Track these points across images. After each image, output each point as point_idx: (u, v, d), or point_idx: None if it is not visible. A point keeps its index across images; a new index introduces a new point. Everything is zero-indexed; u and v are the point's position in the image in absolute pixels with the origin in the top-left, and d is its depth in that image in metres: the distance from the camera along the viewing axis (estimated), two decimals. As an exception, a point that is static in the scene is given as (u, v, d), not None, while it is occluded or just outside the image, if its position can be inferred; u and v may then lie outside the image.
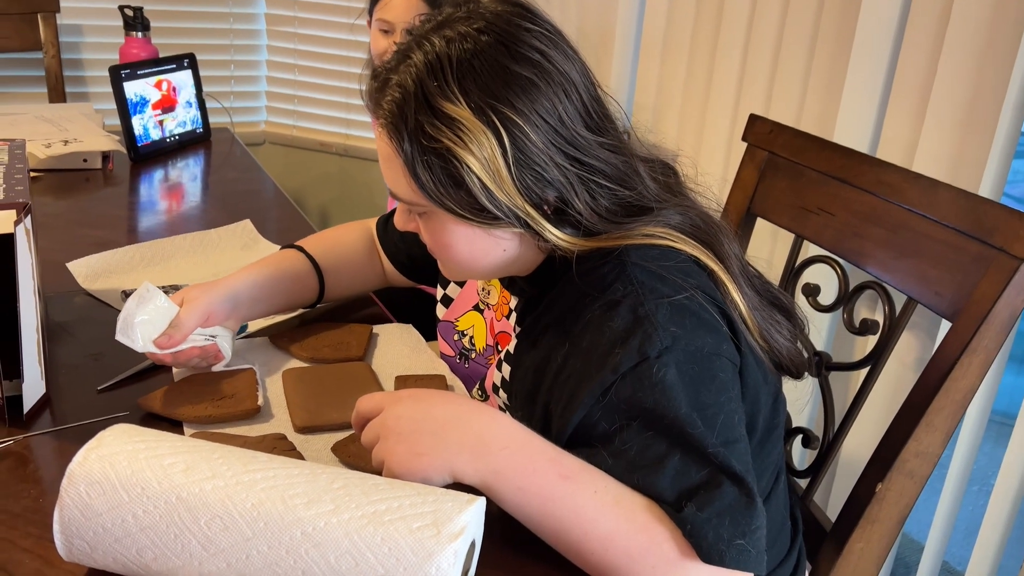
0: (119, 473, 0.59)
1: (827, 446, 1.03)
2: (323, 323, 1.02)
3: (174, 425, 0.82)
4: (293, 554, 0.56)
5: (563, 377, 0.72)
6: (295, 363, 0.95)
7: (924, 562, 1.34)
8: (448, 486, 0.64)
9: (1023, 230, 0.82)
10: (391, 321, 1.08)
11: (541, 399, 0.74)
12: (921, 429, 0.87)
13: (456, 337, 0.97)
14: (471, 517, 0.58)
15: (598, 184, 0.72)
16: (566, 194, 0.71)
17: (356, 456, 0.78)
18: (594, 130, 0.73)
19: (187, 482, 0.59)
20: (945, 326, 1.19)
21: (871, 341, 1.02)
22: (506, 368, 0.82)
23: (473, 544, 0.61)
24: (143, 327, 0.82)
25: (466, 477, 0.65)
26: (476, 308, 0.95)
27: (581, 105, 0.72)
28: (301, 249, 1.00)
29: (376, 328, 1.04)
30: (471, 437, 0.66)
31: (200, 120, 1.86)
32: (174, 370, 0.92)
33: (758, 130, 1.20)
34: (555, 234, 0.72)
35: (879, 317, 1.00)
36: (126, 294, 1.07)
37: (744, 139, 1.22)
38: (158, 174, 1.67)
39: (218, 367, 0.89)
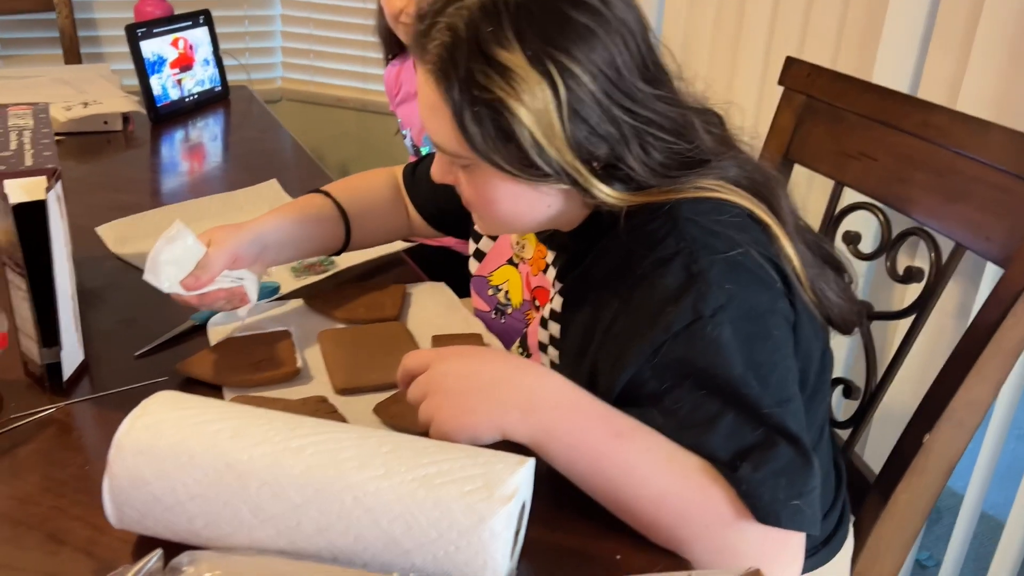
0: (166, 441, 0.59)
1: (869, 397, 1.02)
2: (356, 283, 1.01)
3: (213, 389, 0.82)
4: (344, 520, 0.56)
5: (612, 335, 0.70)
6: (330, 324, 0.94)
7: (963, 511, 1.33)
8: (497, 444, 0.63)
9: (1082, 171, 0.79)
10: (423, 280, 1.07)
11: (589, 357, 0.72)
12: (972, 378, 0.85)
13: (491, 292, 0.96)
14: (522, 479, 0.57)
15: (655, 138, 0.69)
16: (619, 149, 0.68)
17: (398, 417, 0.77)
18: (650, 81, 0.70)
19: (235, 448, 0.58)
20: (990, 274, 1.17)
21: (912, 290, 0.99)
22: (554, 326, 0.80)
23: (524, 505, 0.60)
24: (169, 267, 0.80)
25: (516, 435, 0.65)
26: (510, 262, 0.93)
27: (638, 55, 0.69)
28: (327, 194, 0.97)
29: (409, 287, 1.03)
30: (521, 395, 0.65)
31: (219, 78, 1.83)
32: (210, 333, 0.91)
33: (795, 73, 1.16)
34: (604, 191, 0.69)
35: (924, 265, 0.98)
36: (153, 257, 1.06)
37: (780, 83, 1.18)
38: (178, 134, 1.65)
39: (242, 311, 0.87)
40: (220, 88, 1.84)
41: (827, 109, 1.11)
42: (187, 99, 1.73)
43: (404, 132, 1.70)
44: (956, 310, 1.19)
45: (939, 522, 1.70)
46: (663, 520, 0.63)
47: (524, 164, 0.69)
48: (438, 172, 0.77)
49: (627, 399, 0.67)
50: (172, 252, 0.81)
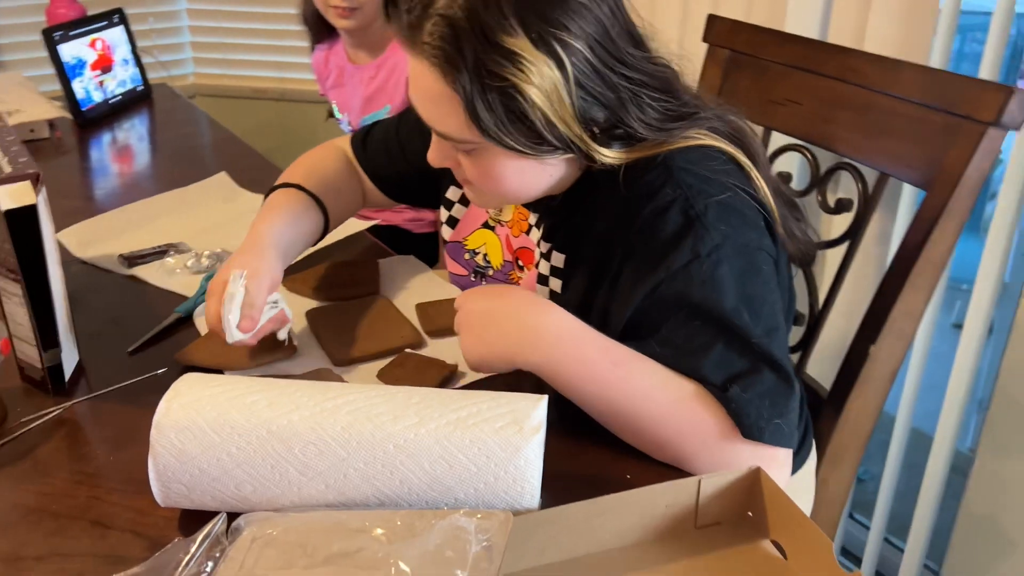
0: (206, 417, 0.62)
1: (814, 321, 1.11)
2: (330, 263, 1.04)
3: (217, 375, 0.84)
4: (389, 466, 0.60)
5: (619, 283, 0.76)
6: (313, 304, 0.97)
7: (896, 430, 1.46)
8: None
9: (985, 96, 0.89)
10: (391, 255, 1.11)
11: (597, 306, 0.77)
12: (907, 290, 0.95)
13: (467, 256, 1.01)
14: (544, 412, 0.63)
15: (649, 97, 0.74)
16: (620, 113, 0.73)
17: (402, 380, 0.82)
18: (637, 44, 0.74)
19: (274, 416, 0.62)
20: (906, 199, 1.28)
21: (841, 221, 1.09)
22: (555, 282, 0.85)
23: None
24: (235, 319, 0.79)
25: (526, 366, 0.71)
26: (485, 226, 0.98)
27: (624, 20, 0.73)
28: (298, 187, 0.98)
29: (380, 262, 1.06)
30: (527, 330, 0.71)
31: (140, 77, 1.80)
32: (197, 322, 0.93)
33: (718, 30, 1.24)
34: (606, 153, 0.74)
35: (852, 196, 1.07)
36: (123, 258, 1.06)
37: (705, 40, 1.25)
38: (107, 137, 1.63)
39: (282, 332, 0.86)
40: (142, 87, 1.81)
41: (751, 61, 1.20)
42: (111, 100, 1.71)
43: (340, 116, 1.71)
44: (879, 236, 1.30)
45: (872, 440, 1.85)
46: (664, 438, 0.70)
47: (534, 141, 0.72)
48: (437, 157, 0.80)
49: (628, 333, 0.73)
50: (238, 306, 0.79)
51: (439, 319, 0.93)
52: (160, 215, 1.20)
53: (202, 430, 0.62)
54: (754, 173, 0.77)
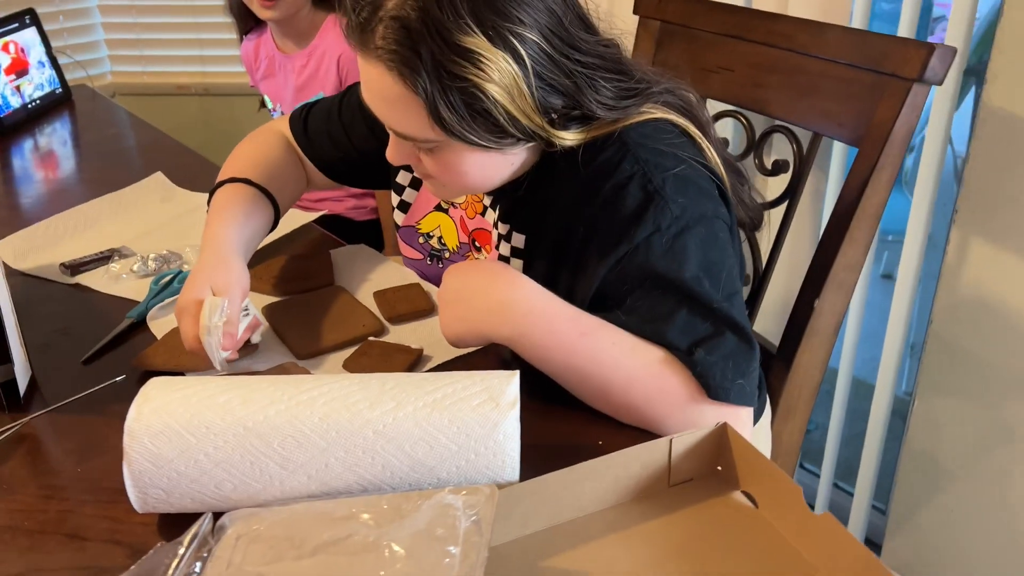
0: (178, 419, 0.62)
1: (759, 280, 1.15)
2: (280, 257, 1.03)
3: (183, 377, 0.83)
4: (370, 453, 0.61)
5: (583, 259, 0.78)
6: (268, 299, 0.97)
7: (839, 380, 1.52)
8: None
9: (908, 54, 0.92)
10: (341, 244, 1.10)
11: (562, 283, 0.78)
12: (846, 244, 0.99)
13: (421, 240, 1.01)
14: (517, 387, 0.64)
15: (603, 79, 0.75)
16: (577, 97, 0.73)
17: (368, 368, 0.82)
18: (587, 28, 0.75)
19: (249, 413, 0.62)
20: (838, 160, 1.33)
21: (777, 182, 1.13)
22: (516, 262, 0.86)
23: (517, 412, 0.68)
24: (216, 345, 0.78)
25: (498, 339, 0.73)
26: (438, 208, 0.99)
27: (574, 5, 0.74)
28: (246, 181, 0.95)
29: (331, 253, 1.06)
30: (495, 304, 0.73)
31: (57, 80, 1.74)
32: (151, 326, 0.92)
33: (647, 2, 1.26)
34: (564, 137, 0.74)
35: (788, 157, 1.11)
36: (65, 267, 1.03)
37: (636, 12, 1.27)
38: (28, 143, 1.57)
39: (256, 336, 0.86)
40: (61, 90, 1.75)
41: (682, 31, 1.22)
42: (30, 105, 1.64)
43: (273, 107, 1.69)
44: (814, 194, 1.35)
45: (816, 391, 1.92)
46: (633, 403, 0.72)
47: (496, 135, 0.72)
48: (396, 156, 0.79)
49: (593, 306, 0.75)
50: (219, 334, 0.78)
51: (399, 305, 0.93)
52: (97, 220, 1.17)
53: (177, 433, 0.61)
54: (704, 143, 0.79)
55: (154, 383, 0.65)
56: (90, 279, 1.02)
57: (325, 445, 0.61)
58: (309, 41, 1.57)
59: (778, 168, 1.12)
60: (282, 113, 1.66)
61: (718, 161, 0.80)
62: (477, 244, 0.96)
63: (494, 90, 0.69)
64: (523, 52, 0.69)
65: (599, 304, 0.76)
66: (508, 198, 0.86)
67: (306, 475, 0.61)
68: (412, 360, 0.83)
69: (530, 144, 0.76)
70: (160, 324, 0.92)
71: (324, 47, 1.55)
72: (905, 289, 1.35)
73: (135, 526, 0.65)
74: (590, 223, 0.77)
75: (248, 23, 1.64)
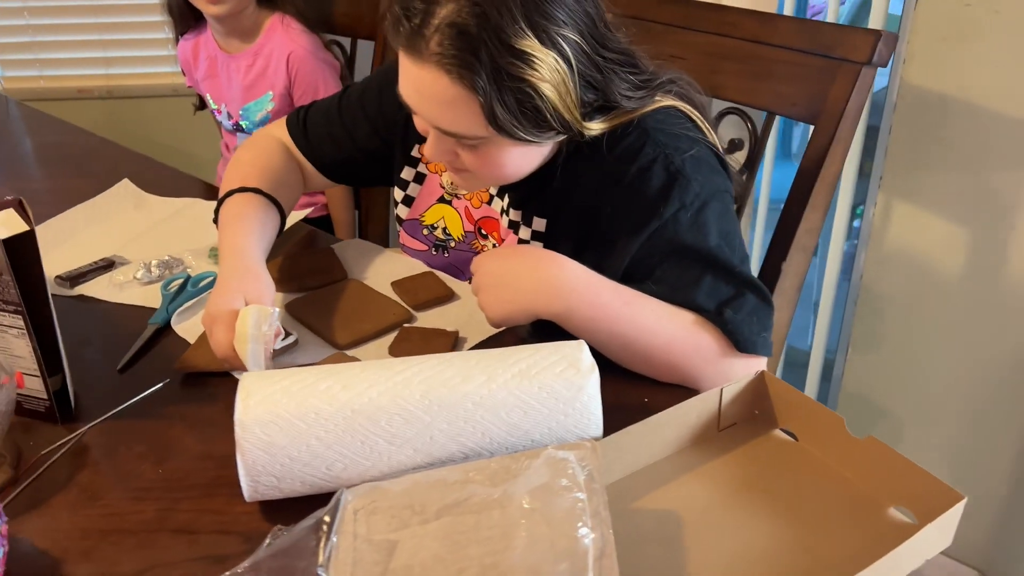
0: (286, 408, 0.65)
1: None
2: (282, 256, 1.05)
3: (220, 377, 0.85)
4: (471, 422, 0.67)
5: (610, 237, 0.85)
6: (288, 296, 0.99)
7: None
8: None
9: (857, 41, 1.05)
10: (338, 240, 1.13)
11: (589, 259, 0.83)
12: (808, 210, 1.10)
13: (425, 232, 1.06)
14: (590, 353, 0.71)
15: (625, 72, 0.82)
16: (606, 90, 0.80)
17: (413, 352, 0.86)
18: (609, 26, 0.81)
19: (353, 396, 0.66)
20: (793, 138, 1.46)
21: (740, 158, 1.24)
22: (537, 245, 0.92)
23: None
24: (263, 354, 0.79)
25: (544, 315, 0.80)
26: (441, 200, 1.03)
27: (599, 6, 0.79)
28: (255, 190, 0.97)
29: (334, 248, 1.09)
30: (543, 284, 0.79)
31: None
32: (178, 330, 0.93)
33: (599, -5, 1.34)
34: (591, 127, 0.81)
35: (744, 136, 1.22)
36: (62, 279, 1.02)
37: (588, 6, 1.35)
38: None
39: (289, 338, 0.88)
40: (-25, 98, 1.66)
41: (633, 23, 1.31)
42: (-50, 116, 1.56)
43: (215, 107, 1.67)
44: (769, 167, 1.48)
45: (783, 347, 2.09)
46: (672, 362, 0.80)
47: (541, 130, 0.78)
48: (437, 153, 0.82)
49: (624, 278, 0.83)
50: (270, 343, 0.80)
51: (420, 293, 0.98)
52: (76, 231, 1.15)
53: (287, 421, 0.65)
54: (705, 126, 0.88)
55: (248, 379, 0.68)
56: (93, 289, 1.01)
57: (429, 419, 0.66)
58: (254, 39, 1.57)
59: (734, 146, 1.23)
60: (229, 114, 1.64)
61: (716, 142, 0.89)
62: (483, 232, 1.02)
63: (546, 88, 0.75)
64: (568, 51, 0.76)
65: (626, 277, 0.84)
66: (523, 186, 0.92)
67: (412, 448, 0.66)
68: (451, 342, 0.89)
69: (563, 136, 0.82)
70: (186, 328, 0.93)
71: (271, 46, 1.55)
72: (836, 254, 1.51)
73: (239, 515, 0.68)
74: (617, 204, 0.84)
75: (187, 23, 1.61)
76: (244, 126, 1.64)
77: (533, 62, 0.74)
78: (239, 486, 0.70)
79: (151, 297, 0.99)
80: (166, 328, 0.94)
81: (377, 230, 1.74)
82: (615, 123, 0.83)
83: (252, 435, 0.65)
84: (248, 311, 0.80)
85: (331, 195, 1.69)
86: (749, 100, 1.19)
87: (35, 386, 0.77)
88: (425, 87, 0.76)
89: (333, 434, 0.65)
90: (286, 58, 1.54)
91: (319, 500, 0.66)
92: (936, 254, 1.36)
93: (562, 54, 0.75)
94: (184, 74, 1.72)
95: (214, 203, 1.22)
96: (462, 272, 1.04)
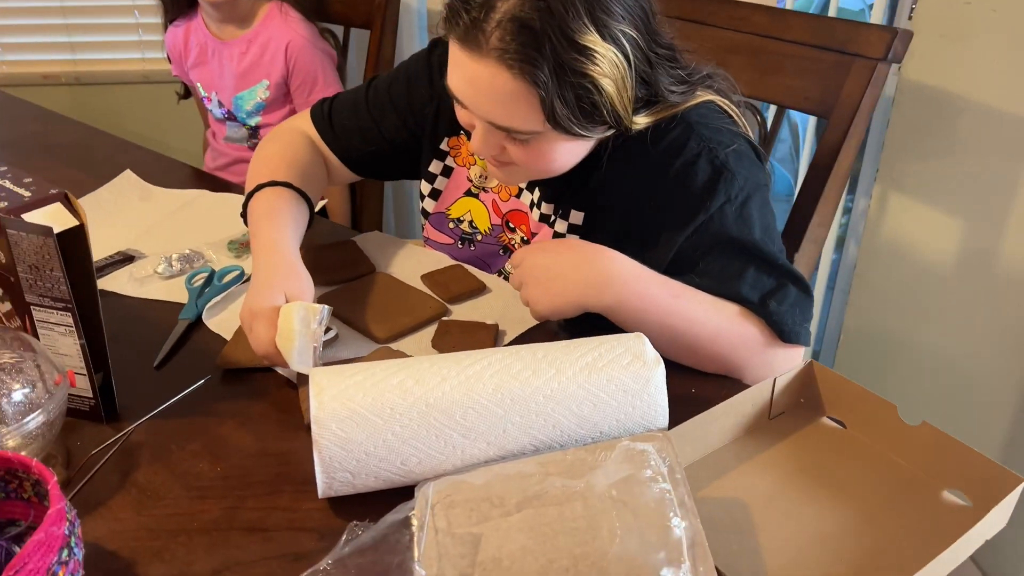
0: (361, 404, 0.65)
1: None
2: (305, 249, 1.04)
3: (264, 372, 0.84)
4: (542, 415, 0.67)
5: (653, 230, 0.86)
6: (318, 290, 0.98)
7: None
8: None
9: (872, 37, 1.08)
10: (353, 232, 1.12)
11: (629, 253, 0.84)
12: (820, 203, 1.13)
13: (451, 225, 1.05)
14: (652, 347, 0.72)
15: (671, 67, 0.82)
16: (655, 85, 0.80)
17: (457, 346, 0.87)
18: (659, 20, 0.81)
19: (427, 391, 0.66)
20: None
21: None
22: (573, 239, 0.92)
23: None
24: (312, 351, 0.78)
25: (596, 308, 0.80)
26: (468, 194, 1.03)
27: (651, 1, 0.80)
28: (286, 185, 0.95)
29: (355, 240, 1.08)
30: (594, 277, 0.80)
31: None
32: (211, 325, 0.91)
33: (606, -12, 1.35)
34: (638, 122, 0.81)
35: (753, 127, 1.24)
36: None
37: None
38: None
39: (329, 333, 0.87)
40: (-50, 84, 1.60)
41: (640, 15, 1.32)
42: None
43: (206, 95, 1.63)
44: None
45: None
46: (718, 352, 0.82)
47: (594, 125, 0.78)
48: (485, 147, 0.82)
49: (667, 271, 0.84)
50: (320, 340, 0.79)
51: (452, 286, 0.97)
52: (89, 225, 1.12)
53: (363, 416, 0.65)
54: (742, 120, 0.90)
55: (319, 374, 0.68)
56: (112, 284, 0.99)
57: (502, 413, 0.67)
58: (249, 26, 1.54)
59: (742, 139, 1.25)
60: (220, 102, 1.61)
61: (751, 134, 0.91)
62: (511, 225, 1.02)
63: (606, 83, 0.75)
64: (627, 46, 0.76)
65: (669, 270, 0.85)
66: (559, 179, 0.92)
67: (485, 442, 0.67)
68: (492, 335, 0.89)
69: (612, 131, 0.83)
70: (218, 323, 0.92)
71: (268, 34, 1.52)
72: (829, 244, 1.55)
73: (309, 512, 0.68)
74: (661, 198, 0.86)
75: (179, 8, 1.57)
76: (236, 115, 1.61)
77: (595, 57, 0.74)
78: (304, 482, 0.70)
79: (174, 291, 0.97)
80: (196, 323, 0.92)
81: (372, 222, 1.73)
82: (659, 117, 0.84)
83: (328, 431, 0.64)
84: (293, 308, 0.79)
85: (331, 192, 1.67)
86: (759, 94, 1.21)
87: (81, 384, 0.75)
88: (482, 81, 0.76)
89: (409, 429, 0.65)
90: (284, 47, 1.51)
91: (387, 495, 0.67)
92: (931, 245, 1.41)
93: (621, 49, 0.76)
94: (171, 61, 1.68)
95: (222, 195, 1.22)
96: (488, 265, 1.04)
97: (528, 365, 0.69)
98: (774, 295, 0.83)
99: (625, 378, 0.69)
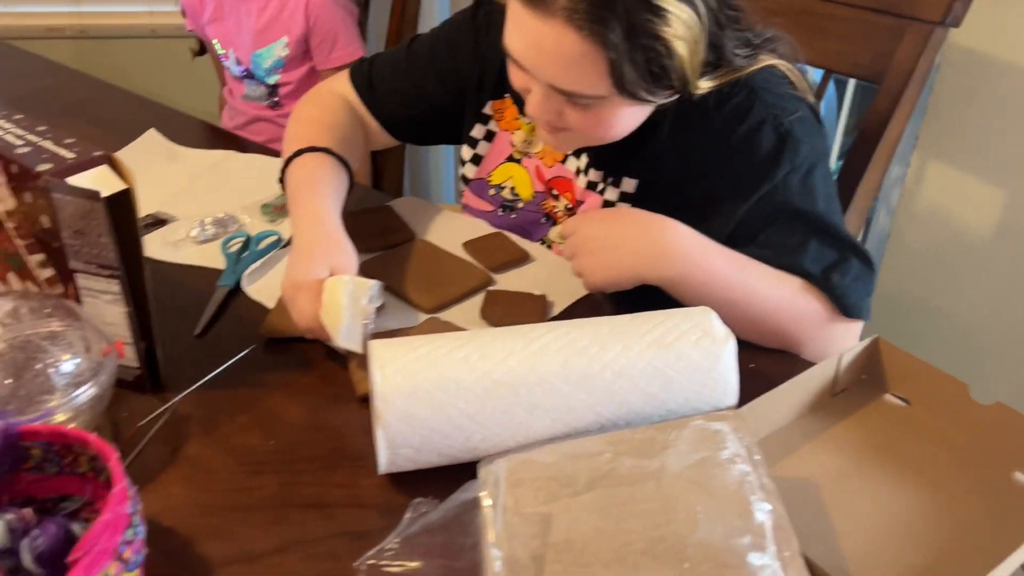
0: (426, 378, 0.63)
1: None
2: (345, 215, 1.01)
3: (310, 343, 0.82)
4: (609, 392, 0.65)
5: (713, 199, 0.83)
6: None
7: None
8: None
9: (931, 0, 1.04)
10: (387, 197, 1.09)
11: (687, 221, 0.80)
12: (868, 171, 1.10)
13: (492, 192, 1.02)
14: (722, 322, 0.70)
15: (738, 29, 0.79)
16: (722, 48, 0.77)
17: (506, 317, 0.84)
18: None
19: (492, 366, 0.64)
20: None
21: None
22: (623, 206, 0.90)
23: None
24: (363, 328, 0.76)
25: (655, 280, 0.78)
26: (510, 159, 1.00)
27: None
28: (325, 151, 0.92)
29: (391, 204, 1.05)
30: (654, 248, 0.77)
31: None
32: (250, 292, 0.88)
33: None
34: (701, 86, 0.78)
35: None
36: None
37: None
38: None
39: (377, 300, 0.82)
40: (-41, 38, 1.55)
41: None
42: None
43: (223, 52, 1.58)
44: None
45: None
46: (780, 327, 0.80)
47: (660, 89, 0.75)
48: (543, 113, 0.79)
49: (726, 242, 0.81)
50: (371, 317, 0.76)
51: (495, 255, 0.95)
52: (110, 184, 1.08)
53: (428, 392, 0.62)
54: (803, 86, 0.86)
55: (379, 347, 0.65)
56: (145, 249, 0.95)
57: (568, 389, 0.64)
58: (269, -17, 1.49)
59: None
60: (237, 60, 1.56)
61: (812, 100, 0.88)
62: (555, 192, 0.99)
63: (679, 46, 0.72)
64: (700, 6, 0.73)
65: (728, 241, 0.82)
66: (611, 145, 0.89)
67: (551, 419, 0.65)
68: (541, 306, 0.86)
69: (675, 96, 0.80)
70: (258, 290, 0.89)
71: (288, -10, 1.47)
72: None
73: (368, 488, 0.66)
74: (724, 165, 0.83)
75: (197, -38, 1.52)
76: (254, 72, 1.56)
77: (668, 17, 0.70)
78: (359, 457, 0.68)
79: (209, 257, 0.94)
80: (235, 290, 0.89)
81: (393, 187, 1.69)
82: (722, 82, 0.81)
83: (393, 407, 0.62)
84: (340, 283, 0.76)
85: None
86: (806, 56, 1.17)
87: (130, 354, 0.73)
88: (548, 43, 0.72)
89: (474, 405, 0.63)
90: (304, 3, 1.47)
91: (445, 471, 0.65)
92: (968, 215, 1.38)
93: (695, 9, 0.72)
94: (185, 16, 1.62)
95: (250, 156, 1.18)
96: (529, 234, 1.01)
97: (594, 340, 0.66)
98: (837, 268, 0.80)
99: (695, 355, 0.67)
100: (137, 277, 0.70)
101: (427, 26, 1.87)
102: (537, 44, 0.74)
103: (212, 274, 0.91)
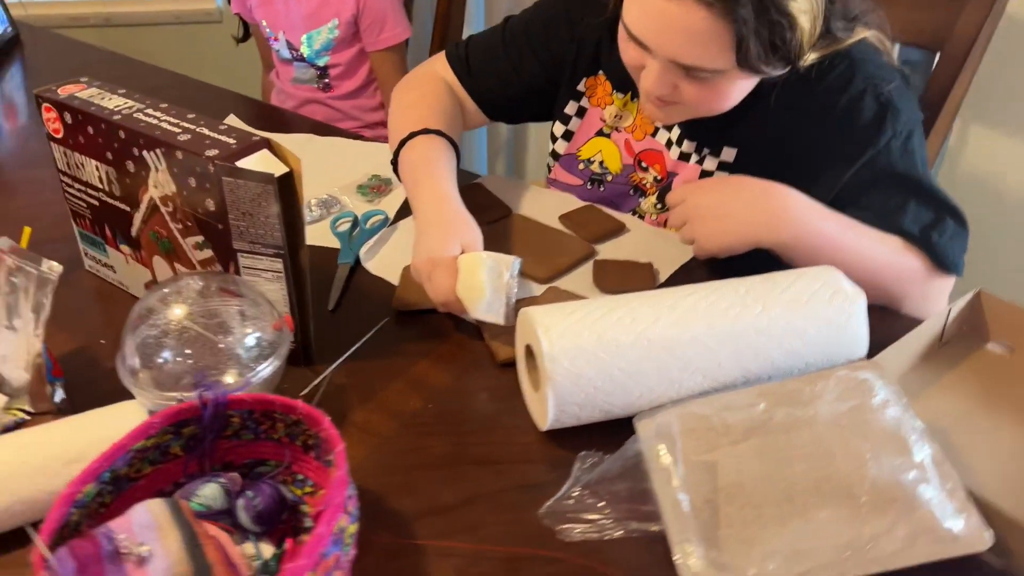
0: (587, 340, 0.67)
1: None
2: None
3: (436, 314, 0.86)
4: (754, 348, 0.70)
5: (815, 166, 0.88)
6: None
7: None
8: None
9: (993, -32, 1.08)
10: (474, 175, 1.13)
11: (789, 185, 0.84)
12: (931, 135, 1.15)
13: (581, 167, 1.06)
14: (848, 279, 0.75)
15: (843, 3, 0.82)
16: (830, 20, 0.81)
17: (618, 284, 0.89)
18: None
19: (646, 328, 0.68)
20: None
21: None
22: (721, 175, 0.94)
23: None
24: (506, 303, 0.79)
25: (771, 245, 0.83)
26: (600, 134, 1.04)
27: None
28: (437, 133, 0.95)
29: (480, 182, 1.08)
30: (767, 214, 0.82)
31: (5, 18, 1.55)
32: (370, 267, 0.92)
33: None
34: (809, 59, 0.82)
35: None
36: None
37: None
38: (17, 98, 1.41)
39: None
40: (10, 29, 1.56)
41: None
42: (-5, 49, 1.46)
43: (272, 34, 1.61)
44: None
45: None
46: (884, 284, 0.85)
47: (778, 62, 0.79)
48: (660, 86, 0.82)
49: (829, 205, 0.86)
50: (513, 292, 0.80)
51: (591, 227, 0.99)
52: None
53: (592, 352, 0.67)
54: (892, 57, 0.91)
55: (537, 312, 0.70)
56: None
57: (717, 347, 0.69)
58: (320, -35, 1.51)
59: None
60: (288, 42, 1.58)
61: (907, 71, 0.92)
62: (644, 165, 1.03)
63: (804, 20, 0.76)
64: None
65: (836, 204, 0.87)
66: (709, 117, 0.92)
67: (701, 375, 0.70)
68: (649, 273, 0.91)
69: (788, 68, 0.84)
70: (376, 266, 0.93)
71: (340, -29, 1.50)
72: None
73: (530, 445, 0.71)
74: (826, 134, 0.87)
75: (247, -56, 1.54)
76: (305, 54, 1.58)
77: None
78: (513, 415, 0.73)
79: (320, 236, 0.98)
80: (354, 267, 0.93)
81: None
82: (824, 53, 0.85)
83: (560, 367, 0.67)
84: (479, 259, 0.80)
85: None
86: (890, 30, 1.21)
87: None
88: (674, 19, 0.76)
89: (634, 364, 0.68)
90: (353, -16, 1.49)
91: (597, 426, 0.70)
92: (1011, 184, 1.44)
93: None
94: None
95: (329, 139, 1.21)
96: (618, 206, 1.06)
97: (736, 302, 0.71)
98: (935, 227, 0.85)
99: (830, 312, 0.72)
100: (297, 256, 0.74)
101: (473, 8, 1.90)
102: (662, 19, 0.77)
103: (326, 252, 0.95)
